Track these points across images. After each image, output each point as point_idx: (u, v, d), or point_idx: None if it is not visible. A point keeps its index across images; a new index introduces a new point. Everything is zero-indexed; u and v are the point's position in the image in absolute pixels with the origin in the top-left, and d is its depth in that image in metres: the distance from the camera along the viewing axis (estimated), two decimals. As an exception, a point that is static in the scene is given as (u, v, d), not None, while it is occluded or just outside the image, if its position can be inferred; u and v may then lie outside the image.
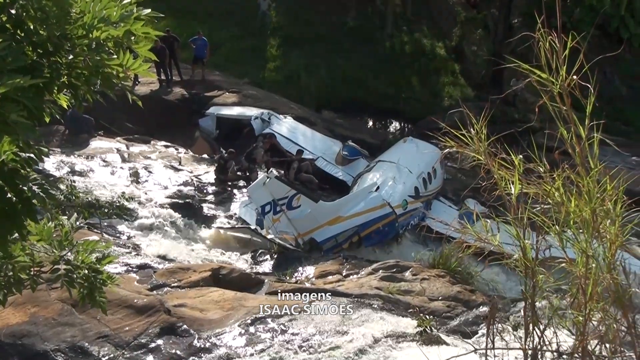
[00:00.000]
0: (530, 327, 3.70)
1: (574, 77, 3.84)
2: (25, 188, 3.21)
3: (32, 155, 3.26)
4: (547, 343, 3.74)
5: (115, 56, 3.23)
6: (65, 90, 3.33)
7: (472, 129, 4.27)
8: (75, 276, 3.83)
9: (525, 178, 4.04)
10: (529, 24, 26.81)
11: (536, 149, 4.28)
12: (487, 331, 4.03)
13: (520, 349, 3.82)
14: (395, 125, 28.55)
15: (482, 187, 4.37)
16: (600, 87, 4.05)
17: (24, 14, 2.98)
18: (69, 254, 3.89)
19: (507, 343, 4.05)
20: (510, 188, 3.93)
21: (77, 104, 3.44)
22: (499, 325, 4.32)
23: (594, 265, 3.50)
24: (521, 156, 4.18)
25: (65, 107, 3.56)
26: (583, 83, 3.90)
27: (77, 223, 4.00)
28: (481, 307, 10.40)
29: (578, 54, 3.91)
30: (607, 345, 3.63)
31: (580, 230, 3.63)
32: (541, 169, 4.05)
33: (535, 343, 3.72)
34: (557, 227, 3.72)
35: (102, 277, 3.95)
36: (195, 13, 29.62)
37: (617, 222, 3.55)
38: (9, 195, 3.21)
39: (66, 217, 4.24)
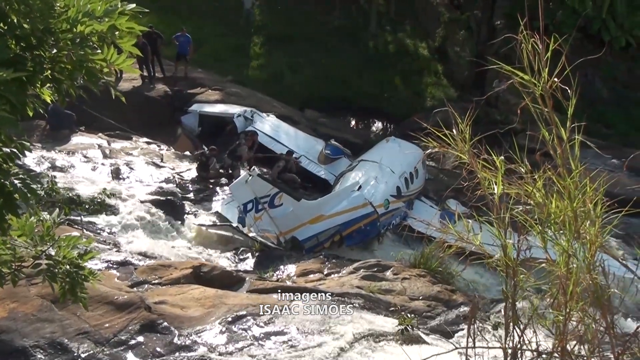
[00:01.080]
0: (511, 327, 3.73)
1: (555, 79, 3.87)
2: (7, 182, 3.19)
3: (14, 149, 3.24)
4: (527, 342, 3.77)
5: (99, 51, 3.21)
6: (48, 84, 3.31)
7: (456, 130, 4.29)
8: (57, 271, 3.81)
9: (507, 179, 4.07)
10: (512, 26, 26.98)
11: (518, 150, 4.32)
12: (467, 330, 4.06)
13: (500, 347, 3.85)
14: (377, 125, 28.61)
15: (464, 187, 4.39)
16: (582, 90, 4.08)
17: (7, 7, 2.96)
18: (51, 249, 3.87)
19: (487, 342, 4.08)
20: (493, 188, 3.95)
21: (61, 99, 3.42)
22: (480, 324, 4.35)
23: (575, 265, 3.53)
24: (503, 157, 4.21)
25: (49, 101, 3.53)
26: (563, 87, 3.93)
27: (59, 219, 3.97)
28: (461, 307, 10.47)
29: (560, 56, 3.95)
30: (586, 346, 3.67)
31: (561, 231, 3.67)
32: (522, 169, 4.08)
33: (515, 342, 3.75)
34: (539, 227, 3.75)
35: (83, 273, 3.93)
36: (179, 10, 29.51)
37: (597, 223, 3.59)
38: (-10, 189, 3.19)
39: (47, 212, 4.22)
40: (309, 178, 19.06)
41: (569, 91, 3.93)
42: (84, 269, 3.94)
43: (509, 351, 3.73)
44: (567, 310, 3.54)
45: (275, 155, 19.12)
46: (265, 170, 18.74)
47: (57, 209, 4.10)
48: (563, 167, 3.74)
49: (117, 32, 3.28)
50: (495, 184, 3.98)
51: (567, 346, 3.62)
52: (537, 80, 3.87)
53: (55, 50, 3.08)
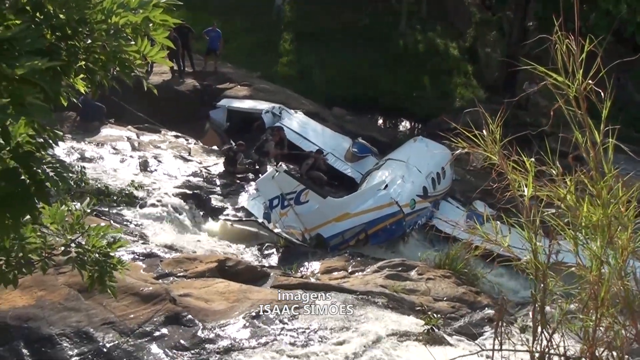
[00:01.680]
0: (539, 330, 3.68)
1: (590, 81, 3.82)
2: (39, 170, 3.22)
3: (47, 137, 3.28)
4: (554, 346, 3.72)
5: (133, 42, 3.23)
6: (82, 75, 3.33)
7: (486, 130, 4.25)
8: (86, 259, 3.85)
9: (537, 181, 4.01)
10: (544, 28, 26.69)
11: (550, 153, 4.25)
12: (494, 332, 4.01)
13: (527, 351, 3.80)
14: (405, 124, 28.48)
15: (492, 189, 4.34)
16: (614, 94, 4.02)
17: (44, -4, 2.99)
18: (80, 238, 3.91)
19: (514, 345, 4.04)
20: (524, 190, 3.91)
21: (93, 90, 3.45)
22: (506, 327, 4.30)
23: (606, 271, 3.48)
24: (533, 159, 4.16)
25: (83, 92, 3.57)
26: (597, 89, 3.88)
27: (88, 208, 4.01)
28: (486, 309, 10.39)
29: (593, 59, 3.89)
30: (615, 353, 3.61)
31: (593, 236, 3.61)
32: (554, 172, 4.02)
33: (542, 346, 3.70)
34: (570, 231, 3.69)
35: (112, 262, 3.97)
36: (210, 5, 29.63)
37: (629, 228, 3.52)
38: (22, 177, 3.22)
39: (76, 202, 4.26)
40: (335, 176, 19.02)
41: (602, 94, 3.88)
42: (113, 258, 3.98)
43: (537, 355, 3.69)
44: (598, 316, 3.49)
45: (304, 152, 19.13)
46: (292, 166, 18.74)
47: (87, 199, 4.14)
48: (596, 170, 3.68)
49: (150, 25, 3.30)
50: (526, 186, 3.93)
51: (596, 352, 3.56)
52: (571, 82, 3.82)
53: (89, 41, 3.10)
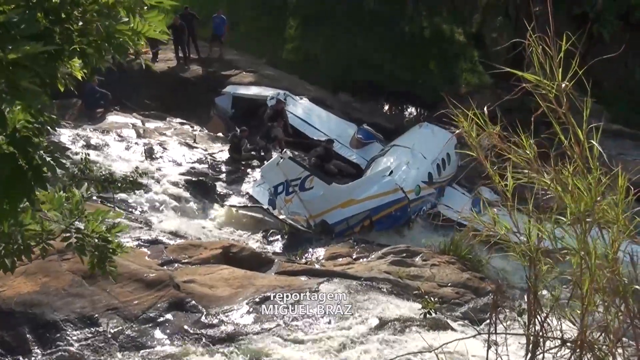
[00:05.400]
0: (533, 315, 3.69)
1: (567, 82, 3.78)
2: (35, 156, 3.22)
3: (44, 122, 3.27)
4: (551, 330, 3.72)
5: (126, 19, 3.20)
6: (76, 59, 3.32)
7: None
8: (85, 244, 3.87)
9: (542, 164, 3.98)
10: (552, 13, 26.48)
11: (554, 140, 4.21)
12: (490, 315, 4.01)
13: (522, 334, 3.81)
14: (411, 110, 28.38)
15: (494, 175, 4.31)
16: (622, 79, 3.98)
17: (35, -21, 2.98)
18: (80, 223, 3.92)
19: (512, 329, 4.05)
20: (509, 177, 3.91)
21: (89, 73, 3.44)
22: (506, 311, 4.30)
23: (589, 260, 3.45)
24: (531, 142, 4.12)
25: (80, 78, 3.56)
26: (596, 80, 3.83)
27: (87, 193, 4.02)
28: (490, 295, 10.39)
29: (596, 45, 3.85)
30: (610, 337, 3.60)
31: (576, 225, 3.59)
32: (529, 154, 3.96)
33: (537, 330, 3.70)
34: (557, 217, 3.68)
35: (112, 246, 3.98)
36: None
37: (619, 214, 3.48)
38: (20, 162, 3.22)
39: (80, 190, 4.27)
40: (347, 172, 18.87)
41: (604, 83, 3.84)
42: (112, 243, 3.99)
43: (531, 338, 3.69)
44: (585, 304, 3.48)
45: (314, 141, 19.10)
46: (297, 153, 18.69)
47: (86, 184, 4.15)
48: (583, 166, 3.64)
49: (145, 8, 3.28)
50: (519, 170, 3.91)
51: (590, 337, 3.56)
52: (551, 82, 3.80)
53: (81, 23, 3.09)
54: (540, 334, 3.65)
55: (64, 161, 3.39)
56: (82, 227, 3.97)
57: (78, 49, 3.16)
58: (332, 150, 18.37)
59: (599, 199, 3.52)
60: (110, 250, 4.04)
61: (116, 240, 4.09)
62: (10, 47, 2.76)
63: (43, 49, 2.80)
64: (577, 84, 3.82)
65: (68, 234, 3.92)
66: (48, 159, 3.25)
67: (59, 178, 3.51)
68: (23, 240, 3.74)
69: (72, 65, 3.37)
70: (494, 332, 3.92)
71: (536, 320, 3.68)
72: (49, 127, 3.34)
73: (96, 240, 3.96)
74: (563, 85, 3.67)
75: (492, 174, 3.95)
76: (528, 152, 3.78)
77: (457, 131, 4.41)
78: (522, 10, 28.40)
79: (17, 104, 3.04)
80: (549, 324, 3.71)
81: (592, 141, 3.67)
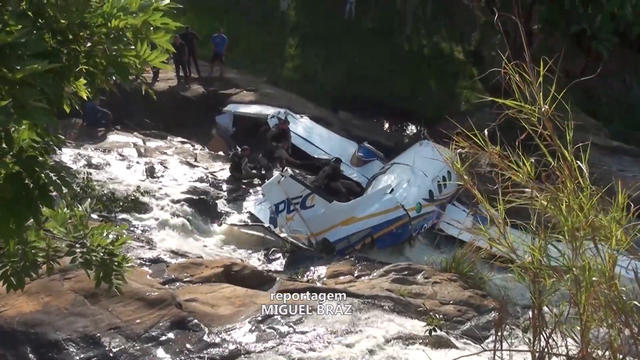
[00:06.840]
0: (537, 332, 3.69)
1: (547, 107, 3.84)
2: (42, 175, 3.24)
3: (50, 142, 3.30)
4: (556, 346, 3.72)
5: (132, 47, 3.24)
6: (82, 79, 3.35)
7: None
8: (90, 259, 3.89)
9: (537, 184, 4.01)
10: (549, 31, 26.66)
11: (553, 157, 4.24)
12: (495, 332, 4.00)
13: (527, 351, 3.80)
14: (411, 128, 28.44)
15: (495, 192, 4.34)
16: (619, 96, 4.02)
17: (45, 1, 3.01)
18: (84, 238, 3.94)
19: (516, 346, 4.04)
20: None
21: (94, 93, 3.47)
22: (509, 327, 4.31)
23: (585, 276, 3.47)
24: (531, 159, 4.15)
25: (85, 98, 3.59)
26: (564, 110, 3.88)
27: (90, 210, 4.04)
28: (493, 312, 10.35)
29: (595, 63, 3.90)
30: (612, 354, 3.60)
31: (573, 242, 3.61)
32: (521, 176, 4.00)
33: (542, 346, 3.69)
34: (543, 235, 3.70)
35: (117, 260, 4.00)
36: (214, 9, 29.63)
37: (614, 230, 3.49)
38: (26, 181, 3.24)
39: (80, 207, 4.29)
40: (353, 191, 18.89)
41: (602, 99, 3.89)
42: (118, 256, 4.01)
43: (537, 355, 3.68)
44: (585, 321, 3.49)
45: (317, 160, 19.16)
46: (298, 172, 18.71)
47: (89, 199, 4.17)
48: (572, 183, 3.67)
49: (152, 29, 3.32)
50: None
51: (595, 354, 3.56)
52: (536, 106, 3.85)
53: (89, 44, 3.12)
54: (545, 350, 3.65)
55: (69, 180, 3.41)
56: (87, 242, 3.99)
57: (84, 70, 3.20)
58: (340, 169, 18.38)
59: (591, 216, 3.54)
60: (116, 264, 4.06)
61: (121, 254, 4.11)
62: (17, 67, 2.79)
63: (50, 67, 2.84)
64: (573, 100, 3.87)
65: (73, 249, 3.94)
66: (54, 177, 3.27)
67: (62, 196, 3.52)
68: (29, 257, 3.75)
69: (78, 85, 3.40)
70: (499, 348, 3.92)
71: (541, 336, 3.68)
72: (55, 147, 3.37)
73: (101, 254, 3.99)
74: (543, 109, 3.72)
75: (482, 200, 3.98)
76: (527, 171, 3.81)
77: (458, 150, 4.44)
78: (520, 28, 28.58)
79: (24, 124, 3.07)
80: (553, 340, 3.70)
81: (577, 162, 3.72)
